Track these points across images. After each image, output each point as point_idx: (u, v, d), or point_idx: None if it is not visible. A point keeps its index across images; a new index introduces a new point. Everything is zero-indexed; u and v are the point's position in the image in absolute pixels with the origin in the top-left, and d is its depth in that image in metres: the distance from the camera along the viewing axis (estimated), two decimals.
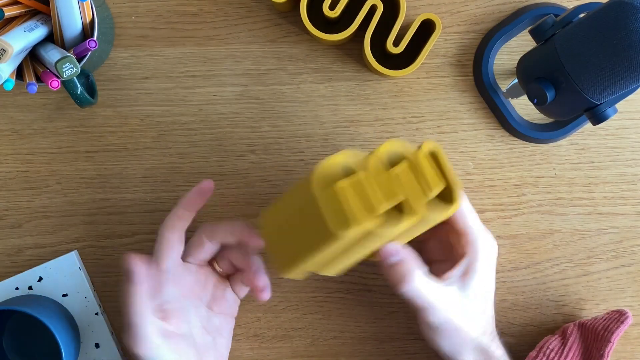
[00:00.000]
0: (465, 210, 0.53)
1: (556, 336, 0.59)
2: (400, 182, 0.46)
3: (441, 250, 0.57)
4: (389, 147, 0.48)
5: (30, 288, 0.61)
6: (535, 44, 0.53)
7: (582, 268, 0.63)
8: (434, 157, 0.48)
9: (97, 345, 0.61)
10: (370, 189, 0.45)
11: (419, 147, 0.48)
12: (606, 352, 0.55)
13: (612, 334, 0.56)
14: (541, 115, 0.60)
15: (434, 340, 0.54)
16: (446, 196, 0.48)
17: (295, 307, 0.63)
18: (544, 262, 0.63)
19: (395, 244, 0.51)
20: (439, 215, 0.48)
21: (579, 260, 0.63)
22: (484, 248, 0.54)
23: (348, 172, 0.46)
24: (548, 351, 0.57)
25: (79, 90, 0.54)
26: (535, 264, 0.63)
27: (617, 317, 0.58)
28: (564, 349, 0.57)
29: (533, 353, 0.57)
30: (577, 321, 0.60)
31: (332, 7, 0.56)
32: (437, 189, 0.47)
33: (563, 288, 0.63)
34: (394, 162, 0.47)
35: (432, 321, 0.53)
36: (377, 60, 0.57)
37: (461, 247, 0.54)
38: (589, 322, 0.58)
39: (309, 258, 0.48)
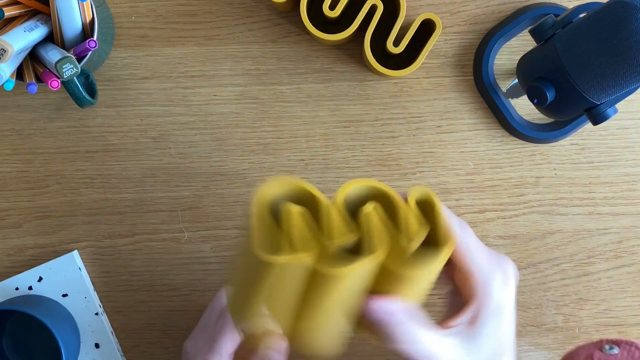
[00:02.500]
0: (469, 246, 0.43)
1: None
2: (365, 221, 0.39)
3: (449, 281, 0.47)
4: (352, 190, 0.40)
5: (30, 288, 0.61)
6: (535, 44, 0.53)
7: (582, 268, 0.63)
8: (425, 205, 0.41)
9: (97, 346, 0.61)
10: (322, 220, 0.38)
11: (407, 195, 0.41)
12: None
13: None
14: (541, 115, 0.60)
15: None
16: (435, 240, 0.40)
17: None
18: (544, 262, 0.63)
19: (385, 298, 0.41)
20: (431, 265, 0.39)
21: (579, 260, 0.63)
22: (496, 292, 0.44)
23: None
24: None
25: (79, 90, 0.54)
26: (535, 264, 0.63)
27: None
28: None
29: None
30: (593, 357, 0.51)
31: (332, 7, 0.56)
32: (417, 233, 0.39)
33: (563, 288, 0.63)
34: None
35: None
36: (377, 60, 0.57)
37: (467, 290, 0.44)
38: None
39: (253, 294, 0.40)
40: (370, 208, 0.40)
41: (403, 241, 0.39)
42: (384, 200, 0.40)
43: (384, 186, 0.41)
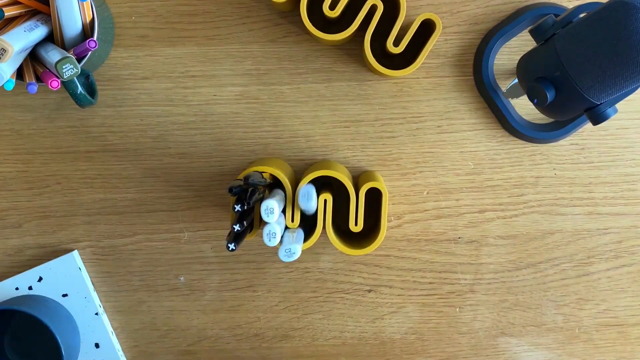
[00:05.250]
0: None
1: None
2: None
3: None
4: None
5: (30, 288, 0.61)
6: (535, 44, 0.53)
7: (582, 268, 0.63)
8: None
9: (97, 345, 0.61)
10: None
11: None
12: None
13: None
14: (541, 115, 0.60)
15: None
16: None
17: (295, 307, 0.63)
18: (544, 262, 0.63)
19: None
20: None
21: (579, 260, 0.63)
22: None
23: None
24: None
25: (79, 90, 0.54)
26: (535, 264, 0.63)
27: None
28: None
29: None
30: None
31: (332, 7, 0.56)
32: None
33: (563, 288, 0.63)
34: None
35: None
36: (377, 60, 0.57)
37: None
38: None
39: None
40: None
41: None
42: None
43: None
